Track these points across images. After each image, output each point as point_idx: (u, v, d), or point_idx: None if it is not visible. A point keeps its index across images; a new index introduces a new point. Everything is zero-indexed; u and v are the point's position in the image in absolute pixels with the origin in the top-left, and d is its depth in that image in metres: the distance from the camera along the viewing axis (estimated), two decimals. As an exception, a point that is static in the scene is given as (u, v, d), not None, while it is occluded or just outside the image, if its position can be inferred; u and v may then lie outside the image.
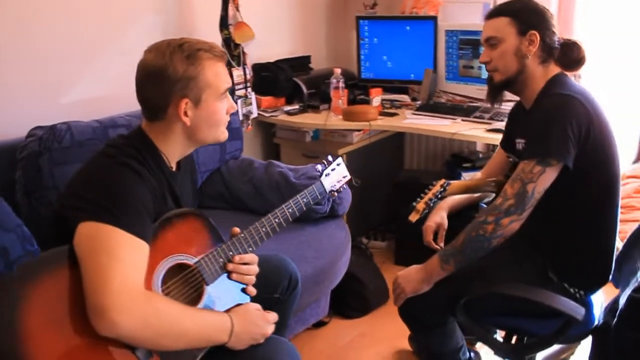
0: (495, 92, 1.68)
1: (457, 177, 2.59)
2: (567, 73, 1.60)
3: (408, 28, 2.89)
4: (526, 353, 1.60)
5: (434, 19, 2.80)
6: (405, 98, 2.97)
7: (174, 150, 1.35)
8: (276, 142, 3.02)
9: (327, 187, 1.64)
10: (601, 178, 1.53)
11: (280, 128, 2.95)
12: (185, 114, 1.28)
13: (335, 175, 1.71)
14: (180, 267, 1.31)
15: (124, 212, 1.17)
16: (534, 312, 1.54)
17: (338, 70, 2.69)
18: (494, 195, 1.78)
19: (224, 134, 1.38)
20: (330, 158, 1.70)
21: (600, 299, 1.66)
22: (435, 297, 1.59)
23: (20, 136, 1.91)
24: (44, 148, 1.85)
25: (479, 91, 2.71)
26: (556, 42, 1.58)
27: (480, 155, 2.64)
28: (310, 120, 2.74)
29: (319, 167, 1.68)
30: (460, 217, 1.83)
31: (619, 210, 1.59)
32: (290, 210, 1.50)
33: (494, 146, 2.86)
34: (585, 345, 1.67)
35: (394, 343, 2.26)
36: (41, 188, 1.85)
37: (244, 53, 2.55)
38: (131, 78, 1.31)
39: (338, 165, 1.71)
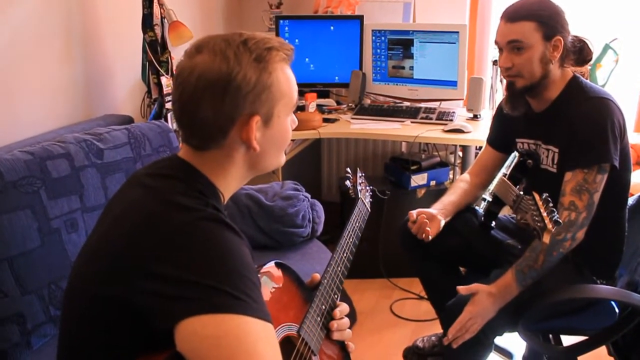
0: (516, 99, 1.62)
1: (407, 180, 2.52)
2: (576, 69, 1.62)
3: (332, 28, 2.72)
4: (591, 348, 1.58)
5: (360, 18, 2.68)
6: (331, 102, 2.80)
7: (230, 186, 0.99)
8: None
9: (367, 205, 1.47)
10: (623, 171, 1.57)
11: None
12: (255, 136, 0.94)
13: (364, 189, 1.53)
14: (282, 343, 0.99)
15: (246, 290, 0.82)
16: (578, 307, 1.55)
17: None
18: (485, 197, 1.74)
19: (283, 159, 1.06)
20: (349, 170, 1.54)
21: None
22: (498, 316, 1.51)
23: None
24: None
25: (411, 92, 2.68)
26: (570, 44, 1.58)
27: (423, 156, 2.60)
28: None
29: (348, 183, 1.52)
30: (459, 216, 1.77)
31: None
32: (351, 240, 1.33)
33: (426, 145, 2.87)
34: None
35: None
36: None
37: (171, 58, 2.13)
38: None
39: (360, 177, 1.56)
